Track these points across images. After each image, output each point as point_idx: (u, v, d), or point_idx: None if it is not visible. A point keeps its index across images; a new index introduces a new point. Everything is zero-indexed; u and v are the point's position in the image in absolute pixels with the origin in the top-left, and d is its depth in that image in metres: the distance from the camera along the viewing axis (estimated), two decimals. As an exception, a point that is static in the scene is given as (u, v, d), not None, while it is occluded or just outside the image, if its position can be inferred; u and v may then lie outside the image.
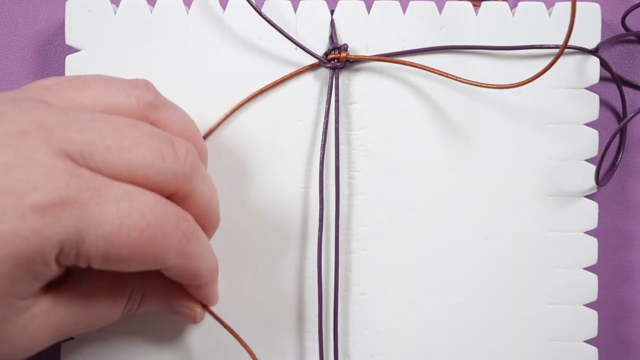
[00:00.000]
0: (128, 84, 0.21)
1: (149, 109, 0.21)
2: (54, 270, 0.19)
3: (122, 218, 0.19)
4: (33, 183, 0.18)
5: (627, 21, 0.29)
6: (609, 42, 0.28)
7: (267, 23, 0.26)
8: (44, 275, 0.19)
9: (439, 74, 0.26)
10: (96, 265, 0.19)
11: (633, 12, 0.29)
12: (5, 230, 0.17)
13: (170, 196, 0.21)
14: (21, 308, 0.19)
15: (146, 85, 0.22)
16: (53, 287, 0.20)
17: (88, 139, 0.19)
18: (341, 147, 0.27)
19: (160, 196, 0.20)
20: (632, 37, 0.29)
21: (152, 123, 0.22)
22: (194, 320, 0.25)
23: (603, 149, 0.26)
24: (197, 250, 0.21)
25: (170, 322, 0.27)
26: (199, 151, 0.23)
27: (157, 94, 0.22)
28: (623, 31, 0.29)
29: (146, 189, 0.20)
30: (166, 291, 0.24)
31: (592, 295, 0.27)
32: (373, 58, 0.27)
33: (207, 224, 0.23)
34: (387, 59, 0.27)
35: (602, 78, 0.28)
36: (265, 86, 0.27)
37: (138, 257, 0.19)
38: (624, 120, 0.27)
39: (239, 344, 0.25)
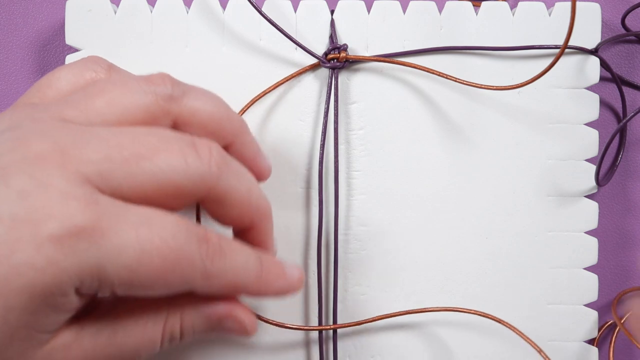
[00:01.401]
0: (144, 81, 0.21)
1: (169, 102, 0.21)
2: (75, 302, 0.18)
3: (143, 245, 0.18)
4: (48, 211, 0.17)
5: (627, 21, 0.29)
6: (609, 42, 0.28)
7: (267, 23, 0.26)
8: (65, 307, 0.18)
9: (438, 75, 0.26)
10: (120, 292, 0.19)
11: (633, 12, 0.29)
12: (20, 260, 0.17)
13: (204, 200, 0.20)
14: (41, 341, 0.18)
15: (162, 79, 0.21)
16: (78, 318, 0.19)
17: (104, 155, 0.18)
18: (341, 147, 0.27)
19: (181, 218, 0.19)
20: (632, 37, 0.29)
21: (177, 116, 0.21)
22: (247, 331, 0.22)
23: (603, 149, 0.26)
24: (224, 267, 0.20)
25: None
26: (235, 128, 0.22)
27: (175, 84, 0.21)
28: (623, 31, 0.29)
29: (176, 198, 0.19)
30: (209, 307, 0.22)
31: (592, 295, 0.27)
32: (372, 58, 0.27)
33: (255, 218, 0.22)
34: (386, 59, 0.27)
35: (602, 78, 0.28)
36: (268, 88, 0.27)
37: (162, 283, 0.19)
38: (624, 120, 0.27)
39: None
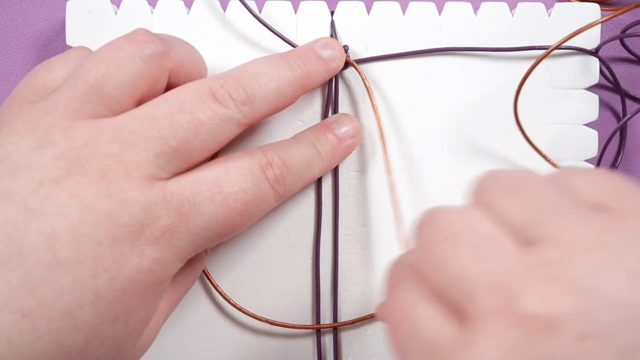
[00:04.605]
0: (134, 47, 0.21)
1: (164, 60, 0.21)
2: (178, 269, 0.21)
3: (222, 211, 0.20)
4: (137, 222, 0.19)
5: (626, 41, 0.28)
6: (609, 42, 0.28)
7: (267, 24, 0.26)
8: (171, 276, 0.20)
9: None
10: (212, 246, 0.22)
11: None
12: (130, 271, 0.19)
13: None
14: (147, 322, 0.21)
15: (149, 38, 0.21)
16: None
17: (157, 152, 0.19)
18: (341, 148, 0.27)
19: (242, 162, 0.21)
20: (631, 38, 0.29)
21: (170, 70, 0.22)
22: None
23: (602, 149, 0.27)
24: (294, 179, 0.23)
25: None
26: (203, 63, 0.24)
27: (159, 39, 0.21)
28: (624, 33, 0.29)
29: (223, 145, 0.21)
30: None
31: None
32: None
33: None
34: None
35: (602, 78, 0.28)
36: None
37: (246, 224, 0.21)
38: (623, 119, 0.27)
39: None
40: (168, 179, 0.20)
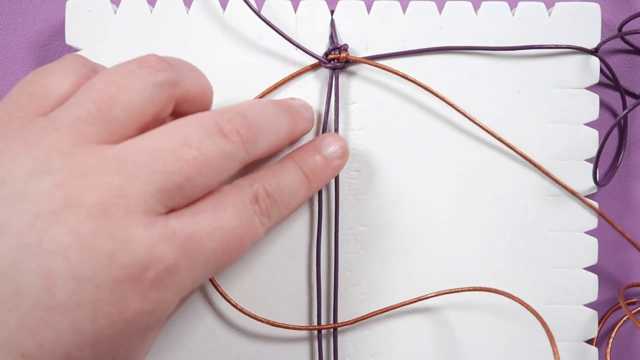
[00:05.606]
0: (147, 73, 0.20)
1: (174, 88, 0.21)
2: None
3: (222, 245, 0.20)
4: (141, 264, 0.18)
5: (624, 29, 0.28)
6: (608, 41, 0.28)
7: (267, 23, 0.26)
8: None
9: (426, 89, 0.26)
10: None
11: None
12: (132, 313, 0.18)
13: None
14: (143, 350, 0.20)
15: (161, 65, 0.21)
16: None
17: (160, 187, 0.19)
18: (341, 147, 0.27)
19: (235, 196, 0.21)
20: (631, 48, 0.29)
21: (178, 98, 0.21)
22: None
23: (600, 146, 0.26)
24: (279, 211, 0.23)
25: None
26: (211, 92, 0.24)
27: (170, 66, 0.21)
28: (625, 32, 0.29)
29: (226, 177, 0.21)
30: None
31: (592, 295, 0.27)
32: (372, 63, 0.27)
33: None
34: (386, 67, 0.27)
35: (602, 78, 0.28)
36: (268, 88, 0.27)
37: (238, 259, 0.22)
38: (623, 113, 0.27)
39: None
40: (167, 214, 0.19)
